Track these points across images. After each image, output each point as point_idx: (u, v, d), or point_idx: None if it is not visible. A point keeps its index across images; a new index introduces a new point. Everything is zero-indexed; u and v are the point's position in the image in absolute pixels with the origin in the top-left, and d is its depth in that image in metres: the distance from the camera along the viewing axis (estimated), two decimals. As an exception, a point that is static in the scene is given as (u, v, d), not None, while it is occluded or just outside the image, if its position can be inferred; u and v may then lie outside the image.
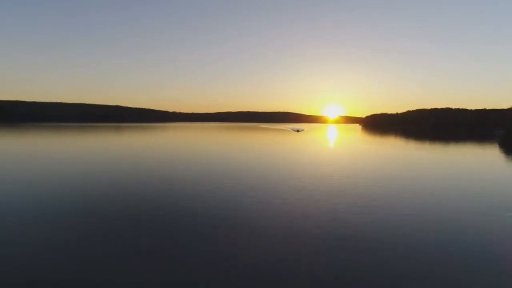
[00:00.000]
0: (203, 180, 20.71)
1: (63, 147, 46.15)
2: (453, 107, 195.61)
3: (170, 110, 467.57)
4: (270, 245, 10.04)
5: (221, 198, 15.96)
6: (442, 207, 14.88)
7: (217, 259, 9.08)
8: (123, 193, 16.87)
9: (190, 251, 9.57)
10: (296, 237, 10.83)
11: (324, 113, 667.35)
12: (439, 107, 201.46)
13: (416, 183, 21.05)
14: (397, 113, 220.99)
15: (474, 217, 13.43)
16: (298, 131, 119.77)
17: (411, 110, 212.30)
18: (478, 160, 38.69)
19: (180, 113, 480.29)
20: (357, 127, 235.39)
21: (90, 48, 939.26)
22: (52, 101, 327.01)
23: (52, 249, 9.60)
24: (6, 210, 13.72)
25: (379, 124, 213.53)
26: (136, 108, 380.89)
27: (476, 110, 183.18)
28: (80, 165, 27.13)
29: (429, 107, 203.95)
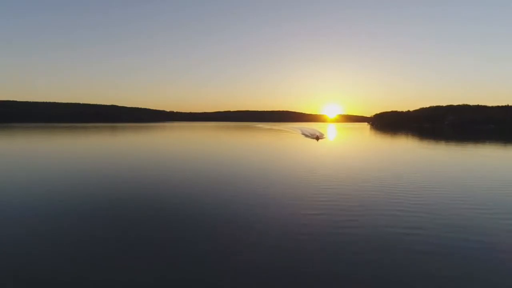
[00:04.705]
0: (203, 180, 20.01)
1: (58, 147, 43.85)
2: (470, 104, 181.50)
3: (167, 110, 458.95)
4: (276, 244, 9.78)
5: (221, 199, 15.27)
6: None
7: (218, 258, 8.86)
8: (121, 193, 16.23)
9: (191, 250, 9.33)
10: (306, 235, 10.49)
11: (323, 112, 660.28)
12: (454, 103, 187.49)
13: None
14: (408, 111, 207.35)
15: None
16: (318, 138, 65.07)
17: (424, 107, 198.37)
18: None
19: (177, 113, 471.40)
20: (365, 126, 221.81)
21: (86, 48, 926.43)
22: (46, 100, 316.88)
23: (51, 249, 9.39)
24: (4, 210, 13.27)
25: (389, 123, 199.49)
26: (132, 108, 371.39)
27: (498, 107, 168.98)
28: (77, 165, 26.12)
29: (444, 104, 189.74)
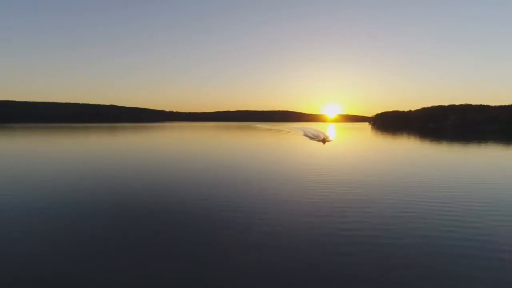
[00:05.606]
0: (203, 181, 20.18)
1: (58, 147, 44.29)
2: (472, 103, 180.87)
3: (167, 110, 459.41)
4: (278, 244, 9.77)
5: (222, 199, 15.36)
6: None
7: (218, 258, 8.85)
8: (121, 193, 16.30)
9: (191, 250, 9.33)
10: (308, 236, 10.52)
11: (323, 112, 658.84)
12: (456, 103, 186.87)
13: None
14: (410, 111, 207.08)
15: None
16: (324, 141, 56.85)
17: (426, 107, 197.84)
18: None
19: (177, 113, 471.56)
20: (366, 126, 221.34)
21: (86, 48, 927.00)
22: (45, 100, 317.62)
23: (51, 249, 9.38)
24: (4, 210, 13.29)
25: (391, 123, 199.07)
26: (132, 108, 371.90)
27: (501, 107, 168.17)
28: (77, 165, 26.24)
29: (445, 104, 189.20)
